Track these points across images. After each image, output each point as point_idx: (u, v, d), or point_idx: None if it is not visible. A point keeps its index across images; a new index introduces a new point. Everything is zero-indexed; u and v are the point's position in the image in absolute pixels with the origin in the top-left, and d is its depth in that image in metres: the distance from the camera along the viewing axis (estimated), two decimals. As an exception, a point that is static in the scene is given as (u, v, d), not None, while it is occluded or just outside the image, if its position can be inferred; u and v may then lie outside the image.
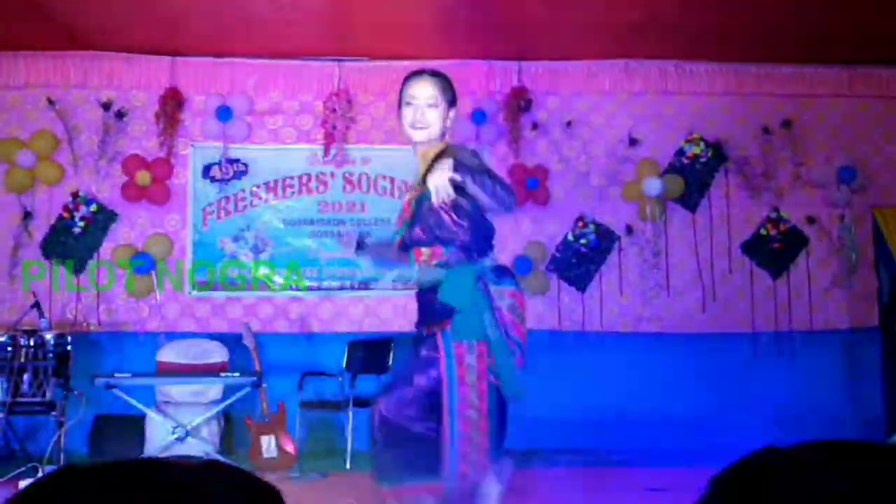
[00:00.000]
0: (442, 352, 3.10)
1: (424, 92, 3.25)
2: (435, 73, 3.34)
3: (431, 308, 3.18)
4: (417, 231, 3.20)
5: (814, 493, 0.75)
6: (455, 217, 3.15)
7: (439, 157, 3.17)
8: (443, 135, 3.31)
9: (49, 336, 5.76)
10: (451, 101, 3.32)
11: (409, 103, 3.26)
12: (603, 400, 6.96)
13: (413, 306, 3.33)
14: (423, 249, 3.19)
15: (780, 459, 0.81)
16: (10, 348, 5.66)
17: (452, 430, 3.11)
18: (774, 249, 7.72)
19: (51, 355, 5.72)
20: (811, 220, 7.74)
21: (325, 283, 7.47)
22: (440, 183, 2.96)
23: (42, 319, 5.81)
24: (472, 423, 3.14)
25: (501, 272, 3.24)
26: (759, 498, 0.78)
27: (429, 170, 3.10)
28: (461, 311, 3.11)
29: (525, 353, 3.20)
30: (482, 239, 3.22)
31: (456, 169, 2.97)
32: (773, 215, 7.74)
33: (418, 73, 3.33)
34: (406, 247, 3.24)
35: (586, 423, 6.85)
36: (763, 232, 7.72)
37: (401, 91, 3.33)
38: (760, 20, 6.75)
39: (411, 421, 3.13)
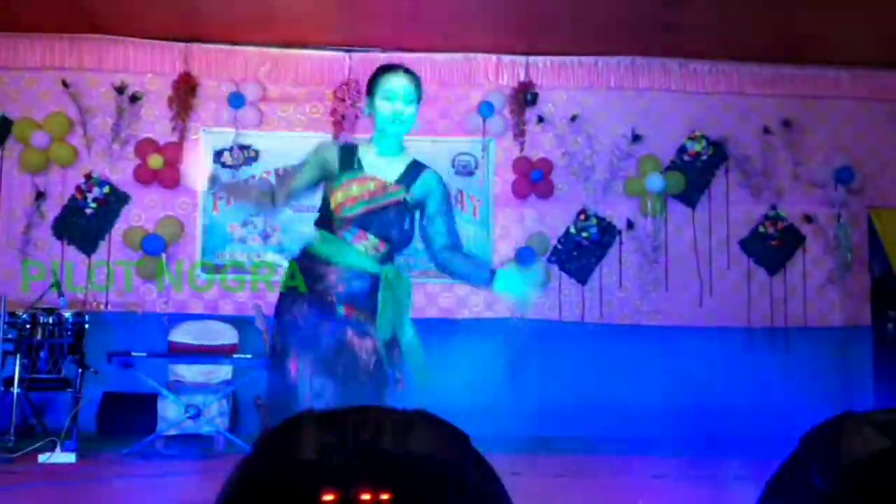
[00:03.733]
0: (374, 344, 3.25)
1: (405, 88, 3.31)
2: (409, 70, 3.39)
3: (363, 293, 3.27)
4: (373, 218, 3.29)
5: (880, 447, 0.92)
6: (410, 223, 3.38)
7: (411, 170, 3.38)
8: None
9: (67, 314, 5.89)
10: (420, 99, 3.39)
11: (387, 97, 3.30)
12: (601, 390, 7.11)
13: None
14: (370, 237, 3.28)
15: (856, 421, 0.98)
16: (28, 326, 5.79)
17: None
18: (772, 247, 7.89)
19: (68, 333, 5.86)
20: (808, 219, 7.92)
21: (332, 270, 7.59)
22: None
23: (61, 298, 5.94)
24: None
25: None
26: (838, 451, 0.94)
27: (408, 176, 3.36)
28: (394, 309, 3.28)
29: None
30: (405, 246, 3.43)
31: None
32: (772, 213, 7.91)
33: (395, 68, 3.37)
34: (347, 224, 3.28)
35: (585, 411, 7.02)
36: (761, 230, 7.90)
37: (373, 83, 3.36)
38: (763, 21, 6.91)
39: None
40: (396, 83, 3.30)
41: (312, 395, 3.15)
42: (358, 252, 3.26)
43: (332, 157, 3.33)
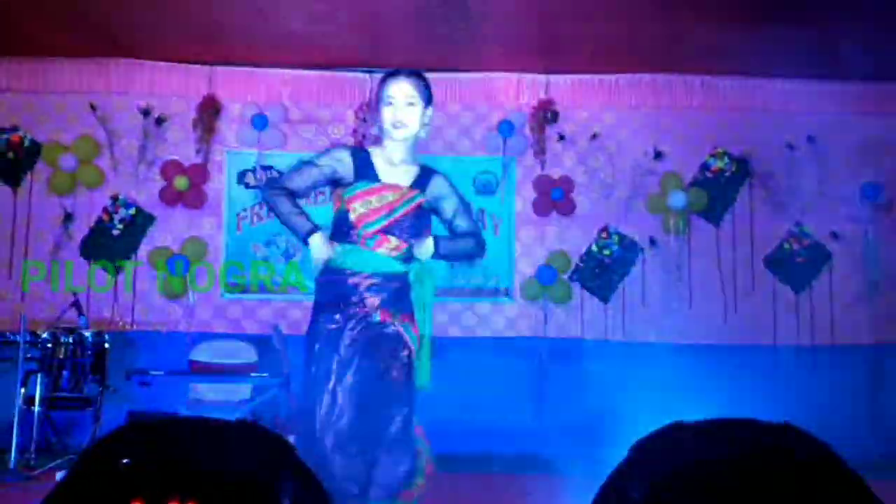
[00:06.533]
0: (409, 346, 3.29)
1: (402, 91, 3.34)
2: (412, 73, 3.41)
3: (394, 295, 3.32)
4: (395, 226, 3.35)
5: (701, 455, 0.92)
6: (428, 224, 3.46)
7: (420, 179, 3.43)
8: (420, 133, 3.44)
9: (88, 334, 5.99)
10: (428, 100, 3.41)
11: (389, 103, 3.34)
12: (624, 408, 7.04)
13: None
14: (391, 238, 3.32)
15: (683, 430, 0.98)
16: (49, 345, 5.89)
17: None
18: (797, 264, 7.80)
19: (89, 353, 5.96)
20: (835, 236, 7.81)
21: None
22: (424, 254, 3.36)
23: (81, 318, 6.04)
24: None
25: None
26: (667, 458, 0.95)
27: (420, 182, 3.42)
28: (423, 306, 3.34)
29: None
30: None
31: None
32: (797, 230, 7.82)
33: (395, 74, 3.41)
34: (369, 233, 3.33)
35: (607, 430, 6.95)
36: (786, 246, 7.81)
37: (378, 91, 3.41)
38: (785, 37, 6.85)
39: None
40: (395, 89, 3.35)
41: (342, 408, 3.18)
42: (381, 257, 3.29)
43: (346, 163, 3.35)
